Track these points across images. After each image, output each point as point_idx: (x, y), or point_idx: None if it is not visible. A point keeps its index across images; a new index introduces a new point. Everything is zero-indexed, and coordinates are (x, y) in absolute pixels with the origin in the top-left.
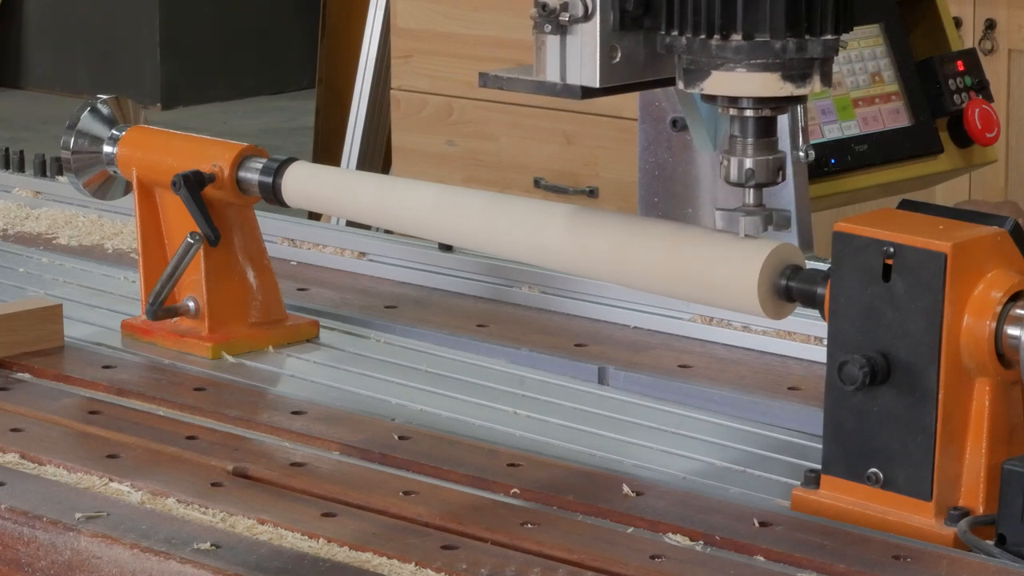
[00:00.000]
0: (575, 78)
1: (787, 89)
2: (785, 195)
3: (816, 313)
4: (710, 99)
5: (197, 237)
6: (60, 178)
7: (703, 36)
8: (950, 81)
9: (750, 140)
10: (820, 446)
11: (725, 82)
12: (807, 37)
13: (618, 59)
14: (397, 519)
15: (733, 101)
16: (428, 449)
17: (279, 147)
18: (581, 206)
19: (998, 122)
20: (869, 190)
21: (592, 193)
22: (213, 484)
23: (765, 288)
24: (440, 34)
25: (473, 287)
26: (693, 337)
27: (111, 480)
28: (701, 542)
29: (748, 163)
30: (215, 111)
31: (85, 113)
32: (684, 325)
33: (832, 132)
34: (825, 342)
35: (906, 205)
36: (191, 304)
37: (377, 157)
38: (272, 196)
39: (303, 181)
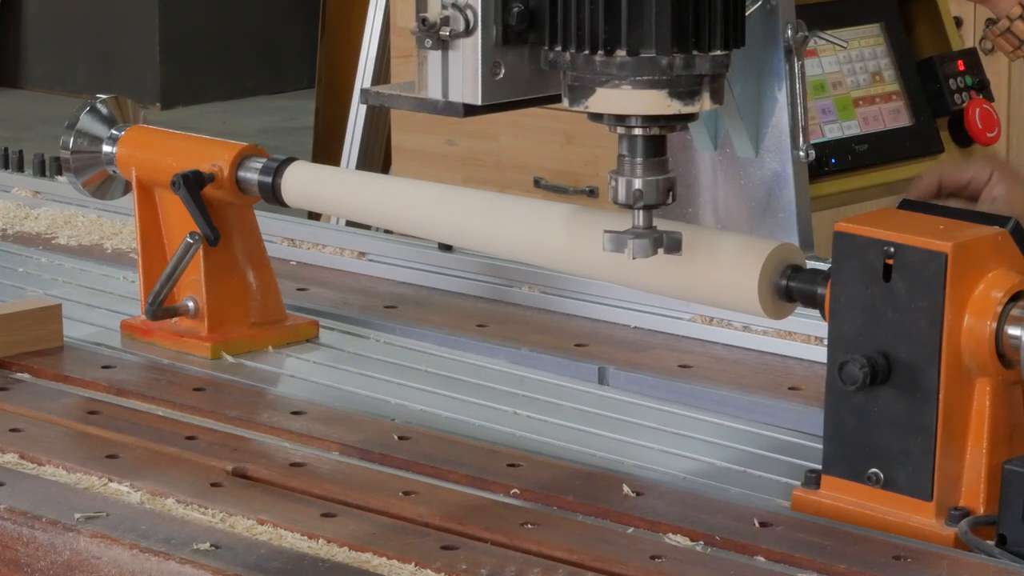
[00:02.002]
0: (457, 95)
1: (675, 107)
2: (785, 195)
3: (816, 313)
4: (596, 118)
5: (196, 237)
6: (59, 178)
7: (587, 52)
8: (951, 81)
9: (639, 160)
10: (820, 446)
11: (610, 100)
12: (695, 53)
13: (501, 75)
14: (397, 519)
15: (620, 119)
16: (428, 449)
17: (279, 147)
18: (581, 206)
19: (999, 122)
20: (869, 190)
21: (592, 193)
22: (212, 484)
23: (765, 288)
24: None
25: (473, 287)
26: (693, 337)
27: (110, 480)
28: (701, 542)
29: (636, 183)
30: (214, 111)
31: (84, 113)
32: (684, 325)
33: (832, 132)
34: (825, 342)
35: (906, 205)
36: (190, 304)
37: (377, 157)
38: (272, 196)
39: (303, 181)
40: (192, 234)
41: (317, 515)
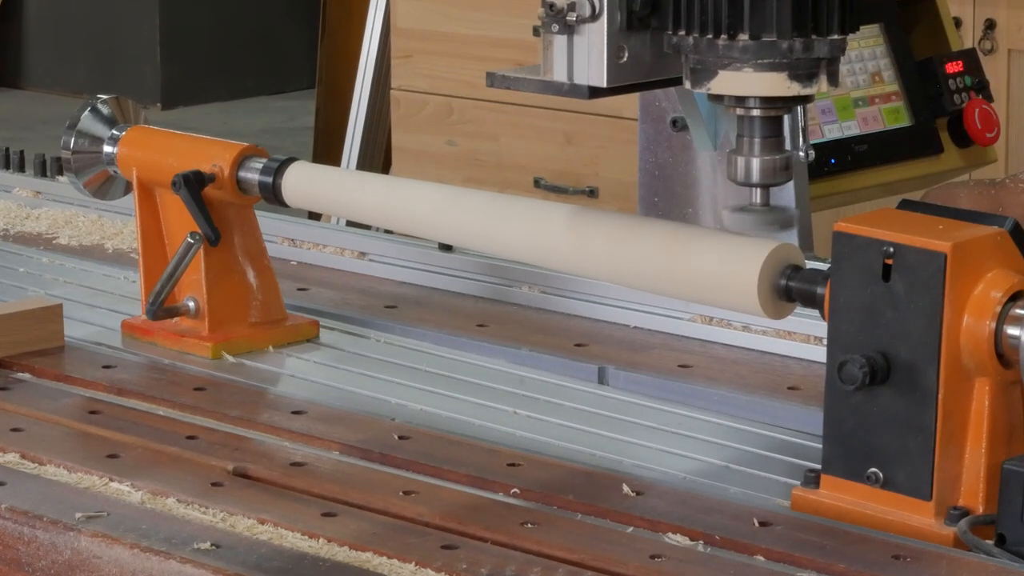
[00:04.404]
0: (582, 78)
1: (794, 89)
2: (785, 195)
3: (816, 313)
4: (717, 99)
5: (197, 237)
6: (60, 178)
7: (710, 36)
8: (950, 81)
9: (757, 139)
10: (820, 446)
11: (732, 82)
12: (814, 37)
13: (625, 59)
14: (397, 519)
15: (740, 101)
16: (428, 449)
17: (279, 147)
18: (581, 206)
19: (998, 122)
20: (869, 190)
21: (592, 193)
22: (213, 484)
23: (765, 288)
24: (440, 34)
25: (473, 287)
26: (693, 337)
27: (111, 480)
28: (701, 542)
29: (755, 162)
30: (215, 111)
31: (85, 113)
32: (684, 325)
33: (832, 132)
34: (825, 342)
35: (906, 205)
36: (191, 304)
37: (377, 157)
38: (272, 196)
39: (303, 181)
40: (193, 234)
41: (317, 515)
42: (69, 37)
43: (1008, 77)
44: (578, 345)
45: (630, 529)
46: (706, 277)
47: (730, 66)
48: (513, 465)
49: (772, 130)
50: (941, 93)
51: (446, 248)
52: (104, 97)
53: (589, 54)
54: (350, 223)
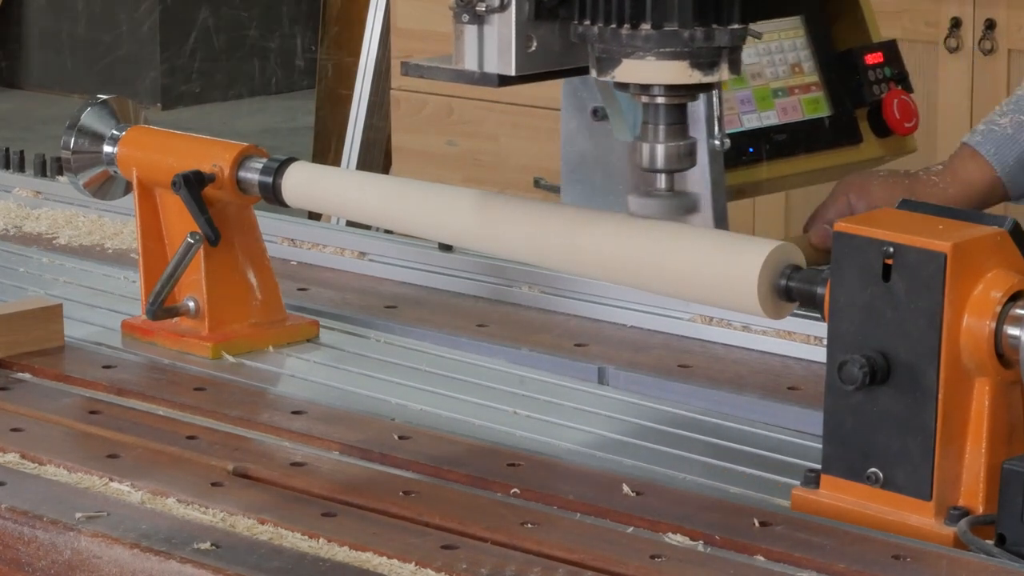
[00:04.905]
0: (492, 67)
1: (695, 77)
2: (699, 182)
3: (816, 313)
4: (622, 87)
5: (197, 237)
6: (60, 178)
7: (614, 26)
8: (870, 72)
9: (661, 126)
10: (820, 446)
11: (635, 70)
12: (715, 26)
13: (534, 48)
14: (397, 519)
15: (644, 88)
16: (428, 449)
17: (279, 147)
18: (580, 206)
19: (917, 112)
20: (789, 178)
21: None
22: (213, 484)
23: (765, 288)
24: (440, 34)
25: (473, 287)
26: (693, 337)
27: (111, 480)
28: (701, 542)
29: (659, 149)
30: (215, 111)
31: (85, 113)
32: (684, 325)
33: (751, 122)
34: (825, 342)
35: (906, 205)
36: (191, 304)
37: (377, 157)
38: (272, 196)
39: (303, 181)
40: (193, 234)
41: (317, 515)
42: (69, 37)
43: (1008, 77)
44: (578, 345)
45: (630, 529)
46: (706, 277)
47: (633, 55)
48: (513, 465)
49: (676, 117)
50: (861, 84)
51: (446, 248)
52: (104, 97)
53: (498, 43)
54: (350, 223)
